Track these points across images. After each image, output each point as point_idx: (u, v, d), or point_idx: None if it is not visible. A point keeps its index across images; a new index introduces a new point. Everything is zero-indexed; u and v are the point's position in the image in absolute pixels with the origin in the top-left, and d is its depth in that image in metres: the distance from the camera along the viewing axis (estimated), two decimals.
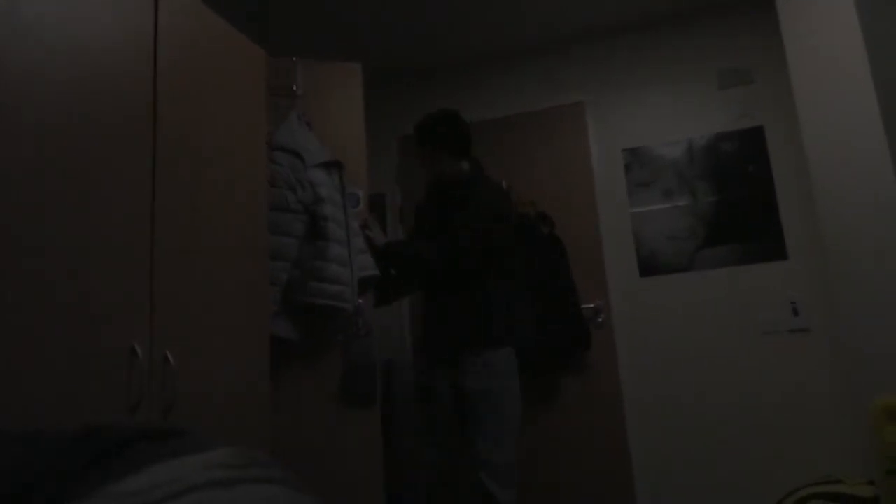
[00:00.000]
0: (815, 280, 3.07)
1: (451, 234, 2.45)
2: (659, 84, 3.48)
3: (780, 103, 3.25)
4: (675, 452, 3.13)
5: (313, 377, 2.48)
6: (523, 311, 2.56)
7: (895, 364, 2.26)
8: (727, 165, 3.28)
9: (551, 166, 3.54)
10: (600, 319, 3.30)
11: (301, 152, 2.36)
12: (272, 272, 2.20)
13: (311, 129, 2.52)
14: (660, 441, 3.16)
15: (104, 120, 1.57)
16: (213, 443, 0.34)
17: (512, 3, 3.29)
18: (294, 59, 2.61)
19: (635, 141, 3.45)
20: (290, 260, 2.28)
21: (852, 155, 2.58)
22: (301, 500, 0.29)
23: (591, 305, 3.31)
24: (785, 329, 3.09)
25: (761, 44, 3.34)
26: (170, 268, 1.71)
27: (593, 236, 3.40)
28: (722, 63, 3.39)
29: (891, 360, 2.27)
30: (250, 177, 2.09)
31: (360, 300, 2.47)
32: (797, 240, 3.13)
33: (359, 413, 2.48)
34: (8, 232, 1.31)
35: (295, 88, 2.56)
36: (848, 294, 2.51)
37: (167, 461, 0.30)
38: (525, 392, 3.37)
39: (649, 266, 3.31)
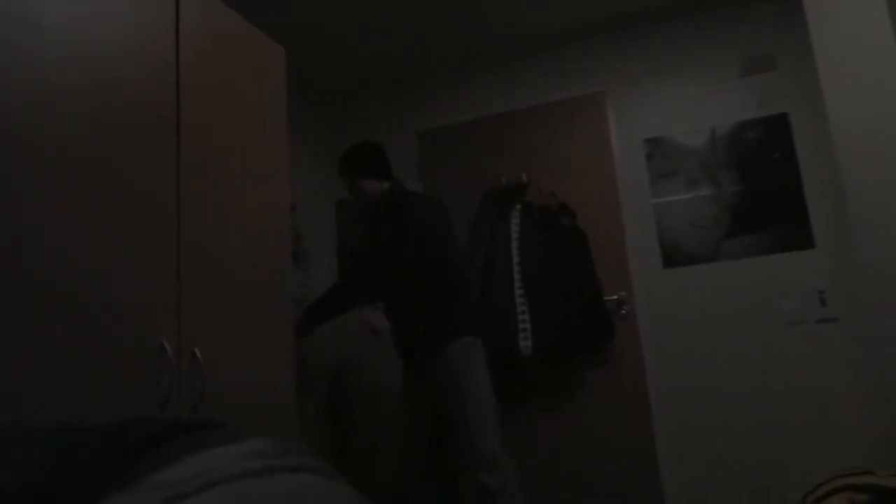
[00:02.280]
0: (843, 269, 3.02)
1: (390, 253, 2.69)
2: (680, 72, 3.43)
3: (804, 89, 3.19)
4: (701, 444, 3.10)
5: None
6: (487, 303, 2.79)
7: None
8: (751, 154, 3.24)
9: (572, 158, 3.51)
10: (623, 311, 3.28)
11: None
12: None
13: None
14: (686, 433, 3.13)
15: (128, 121, 1.60)
16: (247, 434, 0.34)
17: None
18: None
19: (657, 130, 3.42)
20: None
21: (880, 141, 2.53)
22: (335, 487, 0.30)
23: (614, 297, 3.29)
24: (812, 319, 3.04)
25: (784, 29, 3.28)
26: (196, 267, 1.74)
27: (615, 228, 3.37)
28: (744, 50, 3.34)
29: None
30: (273, 175, 2.11)
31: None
32: (824, 228, 3.07)
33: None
34: (36, 234, 1.34)
35: None
36: (877, 283, 2.47)
37: (204, 452, 0.30)
38: (549, 384, 3.38)
39: (673, 257, 3.28)
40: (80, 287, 1.40)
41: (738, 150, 3.26)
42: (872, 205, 2.51)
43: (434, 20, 3.43)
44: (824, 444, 2.93)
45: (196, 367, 1.67)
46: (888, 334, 2.43)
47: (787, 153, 3.18)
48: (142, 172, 1.61)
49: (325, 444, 3.54)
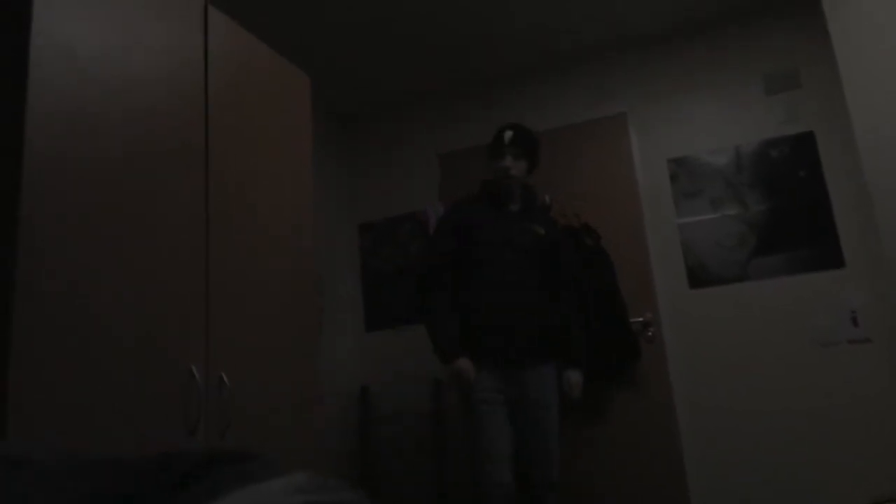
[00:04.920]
0: (875, 288, 2.96)
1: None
2: (703, 91, 3.42)
3: (830, 106, 3.16)
4: (731, 467, 3.04)
5: None
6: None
7: None
8: (777, 172, 3.20)
9: (595, 179, 3.51)
10: (650, 333, 3.24)
11: None
12: None
13: None
14: (715, 455, 3.07)
15: (159, 152, 1.63)
16: (287, 467, 0.35)
17: (549, 15, 3.30)
18: None
19: (680, 150, 3.40)
20: None
21: None
22: None
23: (640, 319, 3.25)
24: (844, 339, 2.97)
25: (808, 45, 3.26)
26: (224, 291, 1.76)
27: (640, 248, 3.35)
28: (768, 67, 3.32)
29: None
30: (297, 201, 2.13)
31: None
32: (854, 247, 3.02)
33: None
34: (71, 262, 1.36)
35: None
36: None
37: (247, 486, 0.31)
38: (576, 406, 3.34)
39: (699, 277, 3.24)
40: (111, 313, 1.42)
41: (763, 168, 3.23)
42: None
43: (454, 44, 3.47)
44: (857, 469, 2.85)
45: (224, 392, 1.69)
46: None
47: (814, 171, 3.14)
48: (172, 199, 1.64)
49: (352, 469, 3.53)
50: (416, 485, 3.51)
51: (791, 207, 3.14)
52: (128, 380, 1.43)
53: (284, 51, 3.30)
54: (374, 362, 3.72)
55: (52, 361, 1.28)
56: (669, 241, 3.32)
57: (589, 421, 3.28)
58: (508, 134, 2.62)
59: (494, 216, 2.59)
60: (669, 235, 3.33)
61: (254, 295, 1.86)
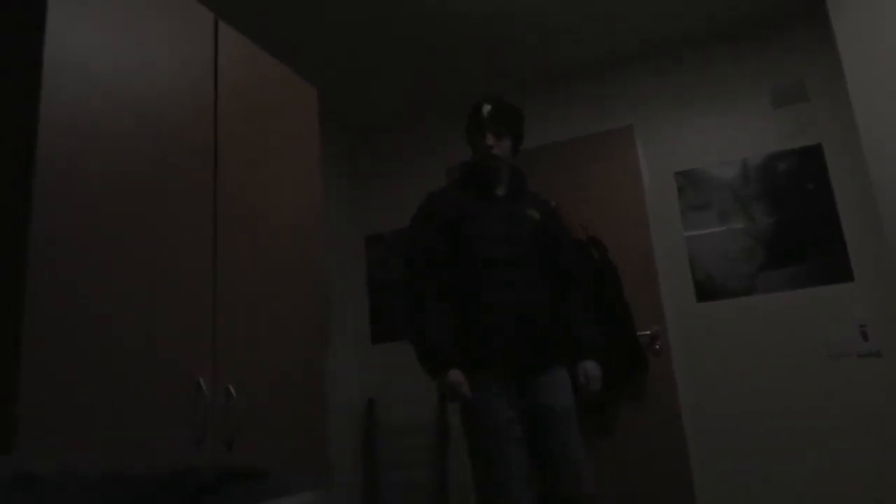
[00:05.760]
0: (885, 302, 2.93)
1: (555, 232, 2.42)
2: (710, 104, 3.42)
3: (838, 119, 3.15)
4: (741, 483, 3.00)
5: None
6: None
7: None
8: (785, 185, 3.19)
9: (601, 192, 3.50)
10: (657, 346, 3.22)
11: None
12: None
13: None
14: (724, 470, 3.04)
15: (168, 163, 1.64)
16: (296, 484, 0.34)
17: (555, 27, 3.31)
18: None
19: (687, 163, 3.39)
20: None
21: None
22: None
23: (647, 332, 3.24)
24: (854, 353, 2.95)
25: (815, 57, 3.25)
26: (230, 304, 1.76)
27: (647, 261, 3.33)
28: (775, 80, 3.32)
29: None
30: (305, 213, 2.14)
31: None
32: (863, 260, 3.00)
33: None
34: (81, 271, 1.37)
35: None
36: None
37: (261, 503, 0.30)
38: (582, 420, 3.31)
39: (706, 291, 3.23)
40: (119, 323, 1.42)
41: (771, 181, 3.22)
42: None
43: (459, 56, 3.48)
44: (867, 482, 2.81)
45: (231, 404, 1.68)
46: None
47: (822, 184, 3.13)
48: (180, 210, 1.64)
49: (357, 481, 3.51)
50: (421, 497, 3.49)
51: (799, 220, 3.13)
52: (135, 391, 1.43)
53: (289, 59, 3.32)
54: (381, 374, 3.71)
55: (59, 371, 1.28)
56: (676, 254, 3.31)
57: (596, 432, 3.25)
58: (486, 108, 2.31)
59: (484, 205, 2.30)
60: (677, 248, 3.32)
61: (260, 306, 1.86)
